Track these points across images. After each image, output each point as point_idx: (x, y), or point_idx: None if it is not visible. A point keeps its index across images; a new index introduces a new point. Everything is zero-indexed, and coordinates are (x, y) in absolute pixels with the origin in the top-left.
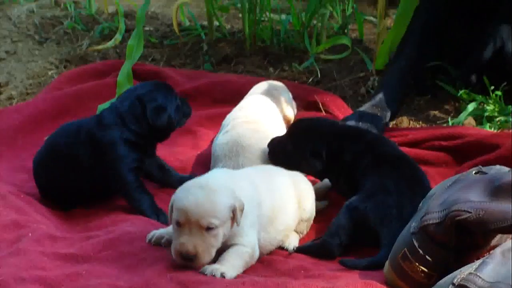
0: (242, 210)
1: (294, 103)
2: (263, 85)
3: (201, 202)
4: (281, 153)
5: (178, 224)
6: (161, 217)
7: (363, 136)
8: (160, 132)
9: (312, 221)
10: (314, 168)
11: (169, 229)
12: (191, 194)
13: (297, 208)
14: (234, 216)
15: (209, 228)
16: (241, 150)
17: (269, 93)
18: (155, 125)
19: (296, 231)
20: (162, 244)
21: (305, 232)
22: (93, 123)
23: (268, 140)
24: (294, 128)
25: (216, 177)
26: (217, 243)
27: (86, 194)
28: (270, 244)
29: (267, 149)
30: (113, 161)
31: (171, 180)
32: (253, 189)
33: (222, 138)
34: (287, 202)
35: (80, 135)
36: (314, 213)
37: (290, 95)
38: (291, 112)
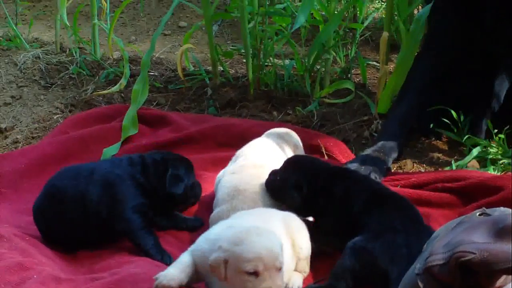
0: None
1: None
2: (276, 130)
3: (271, 246)
4: (270, 183)
5: (255, 274)
6: (165, 258)
7: (352, 174)
8: (170, 199)
9: (309, 259)
10: (293, 200)
11: (177, 273)
12: (260, 242)
13: (292, 248)
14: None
15: (279, 270)
16: (237, 193)
17: (280, 137)
18: (169, 191)
19: (297, 270)
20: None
21: (307, 270)
22: (110, 165)
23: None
24: (285, 162)
25: (259, 223)
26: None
27: (91, 237)
28: None
29: (262, 193)
30: (120, 201)
31: (177, 222)
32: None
33: (224, 182)
34: (284, 244)
35: (94, 176)
36: (310, 250)
37: (300, 143)
38: None
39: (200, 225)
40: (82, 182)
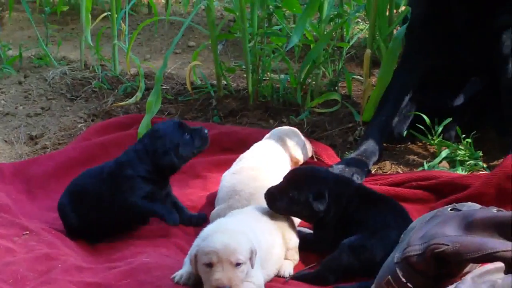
0: (255, 254)
1: (309, 146)
2: (276, 131)
3: (229, 242)
4: (283, 201)
5: (210, 265)
6: (173, 215)
7: (351, 181)
8: (167, 169)
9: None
10: (317, 210)
11: (189, 270)
12: (218, 238)
13: (282, 239)
14: (251, 258)
15: (237, 264)
16: (234, 193)
17: (280, 138)
18: (160, 164)
19: (287, 258)
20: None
21: (296, 258)
22: (113, 163)
23: (263, 186)
24: (294, 176)
25: (230, 223)
26: (243, 278)
27: (109, 228)
28: (268, 276)
29: (257, 194)
30: (127, 193)
31: (182, 218)
32: (253, 232)
33: (224, 182)
34: (275, 237)
35: (103, 174)
36: (298, 241)
37: (302, 139)
38: (299, 155)
39: (203, 221)
40: (97, 180)
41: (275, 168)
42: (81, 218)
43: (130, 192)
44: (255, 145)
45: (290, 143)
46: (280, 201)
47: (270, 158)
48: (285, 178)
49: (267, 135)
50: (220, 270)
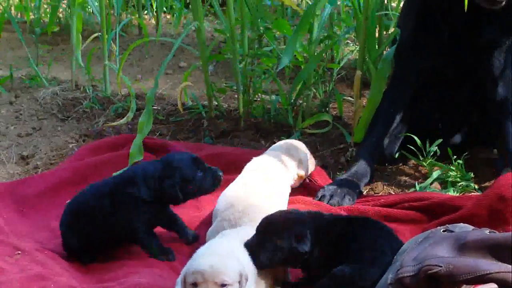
0: (247, 279)
1: (312, 160)
2: (282, 143)
3: (215, 263)
4: (265, 253)
5: (196, 285)
6: (170, 256)
7: (326, 214)
8: (168, 200)
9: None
10: (303, 251)
11: None
12: (206, 259)
13: None
14: (240, 281)
15: (223, 285)
16: (229, 206)
17: (286, 150)
18: (163, 194)
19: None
20: None
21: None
22: (118, 178)
23: (257, 200)
24: (269, 225)
25: (222, 244)
26: None
27: (106, 242)
28: None
29: (252, 210)
30: (131, 215)
31: (181, 234)
32: (245, 253)
33: (222, 196)
34: None
35: (107, 187)
36: None
37: (306, 154)
38: (301, 171)
39: (194, 241)
40: (95, 198)
41: (273, 182)
42: (81, 236)
43: (134, 214)
44: (254, 160)
45: (293, 158)
46: (263, 254)
47: (270, 172)
48: (259, 229)
49: (273, 146)
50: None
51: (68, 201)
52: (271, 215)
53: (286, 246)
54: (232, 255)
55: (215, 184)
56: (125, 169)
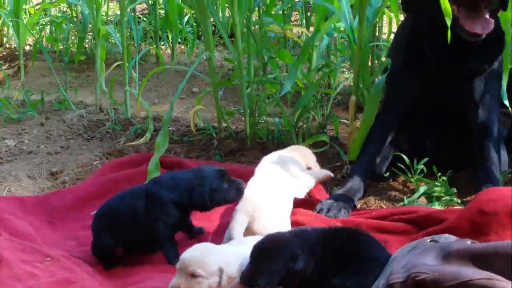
0: (230, 279)
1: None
2: (285, 152)
3: (196, 255)
4: (264, 279)
5: (178, 271)
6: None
7: (314, 229)
8: (196, 207)
9: None
10: (299, 269)
11: None
12: (191, 251)
13: None
14: (220, 278)
15: (194, 276)
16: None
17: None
18: (193, 201)
19: None
20: None
21: None
22: (152, 184)
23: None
24: (262, 250)
25: (215, 245)
26: None
27: (133, 244)
28: None
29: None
30: (159, 215)
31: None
32: (240, 258)
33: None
34: None
35: (142, 191)
36: None
37: (312, 159)
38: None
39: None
40: (130, 199)
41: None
42: (113, 234)
43: (163, 217)
44: (258, 170)
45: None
46: (261, 280)
47: (282, 174)
48: (253, 256)
49: (288, 149)
50: (178, 276)
51: (94, 212)
52: (261, 241)
53: (282, 267)
54: (218, 252)
55: (239, 195)
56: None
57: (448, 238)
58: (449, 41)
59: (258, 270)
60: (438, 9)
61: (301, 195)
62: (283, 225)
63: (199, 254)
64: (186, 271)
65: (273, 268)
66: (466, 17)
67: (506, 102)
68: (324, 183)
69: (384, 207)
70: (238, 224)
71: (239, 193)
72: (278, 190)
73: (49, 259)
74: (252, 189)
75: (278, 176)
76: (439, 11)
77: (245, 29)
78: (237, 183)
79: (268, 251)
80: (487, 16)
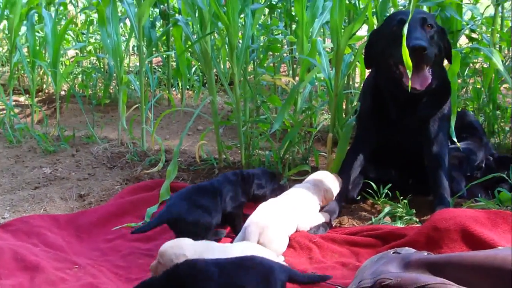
0: None
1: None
2: (312, 178)
3: (170, 246)
4: None
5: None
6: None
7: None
8: (255, 198)
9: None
10: None
11: None
12: (169, 241)
13: None
14: None
15: (160, 263)
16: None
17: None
18: (254, 193)
19: None
20: None
21: None
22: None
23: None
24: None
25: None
26: None
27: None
28: None
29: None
30: (226, 201)
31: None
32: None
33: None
34: None
35: (228, 176)
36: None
37: (332, 186)
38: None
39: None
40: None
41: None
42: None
43: (235, 197)
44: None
45: (326, 186)
46: None
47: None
48: (168, 278)
49: (312, 178)
50: (155, 261)
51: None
52: (175, 266)
53: None
54: (195, 247)
55: (282, 191)
56: (155, 205)
57: (408, 250)
58: (409, 90)
59: None
60: (389, 68)
61: (305, 228)
62: (282, 242)
63: (175, 246)
64: (159, 257)
65: None
66: (412, 75)
67: (455, 139)
68: None
69: (356, 225)
70: (252, 234)
71: (283, 190)
72: (285, 216)
73: (77, 266)
74: (264, 209)
75: (290, 205)
76: (389, 70)
77: (242, 78)
78: (282, 186)
79: (178, 280)
80: (427, 72)
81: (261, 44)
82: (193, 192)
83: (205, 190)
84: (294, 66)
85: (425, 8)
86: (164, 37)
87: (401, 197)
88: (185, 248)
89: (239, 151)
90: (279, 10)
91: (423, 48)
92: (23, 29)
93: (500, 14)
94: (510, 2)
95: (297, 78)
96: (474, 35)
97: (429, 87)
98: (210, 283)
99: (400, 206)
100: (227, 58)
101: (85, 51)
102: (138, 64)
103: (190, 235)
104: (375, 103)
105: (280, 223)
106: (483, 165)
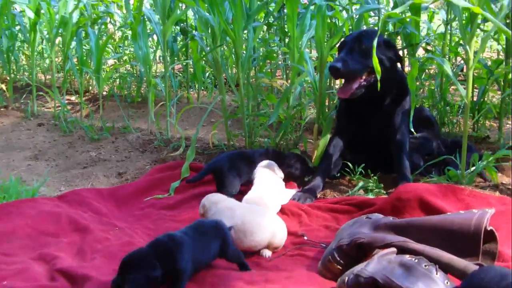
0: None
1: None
2: (265, 163)
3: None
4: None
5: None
6: None
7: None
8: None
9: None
10: (157, 276)
11: None
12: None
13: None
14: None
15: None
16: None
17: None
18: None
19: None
20: None
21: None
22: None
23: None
24: (126, 265)
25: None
26: None
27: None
28: None
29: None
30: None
31: None
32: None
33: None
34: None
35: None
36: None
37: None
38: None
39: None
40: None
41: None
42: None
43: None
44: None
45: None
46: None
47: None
48: (120, 268)
49: (261, 165)
50: (201, 207)
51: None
52: (126, 256)
53: (143, 276)
54: (225, 202)
55: (310, 174)
56: (177, 181)
57: (377, 216)
58: (378, 88)
59: (124, 279)
60: None
61: (286, 201)
62: (276, 208)
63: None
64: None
65: (136, 277)
66: (342, 86)
67: (412, 129)
68: (298, 180)
69: (336, 196)
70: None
71: (311, 172)
72: (274, 188)
73: (117, 228)
74: (260, 184)
75: (273, 179)
76: None
77: (245, 81)
78: (311, 169)
79: (131, 263)
80: (353, 84)
81: (261, 54)
82: (236, 155)
83: (245, 157)
84: (287, 71)
85: (390, 24)
86: (184, 49)
87: (372, 174)
88: (219, 200)
89: (244, 139)
90: (275, 27)
91: (336, 68)
92: (73, 43)
93: (449, 31)
94: (457, 22)
95: (289, 81)
96: (429, 47)
97: (352, 96)
98: (184, 249)
99: (371, 181)
100: (233, 65)
101: (121, 60)
102: (163, 70)
103: (223, 187)
104: (348, 104)
105: (271, 193)
106: (437, 150)
